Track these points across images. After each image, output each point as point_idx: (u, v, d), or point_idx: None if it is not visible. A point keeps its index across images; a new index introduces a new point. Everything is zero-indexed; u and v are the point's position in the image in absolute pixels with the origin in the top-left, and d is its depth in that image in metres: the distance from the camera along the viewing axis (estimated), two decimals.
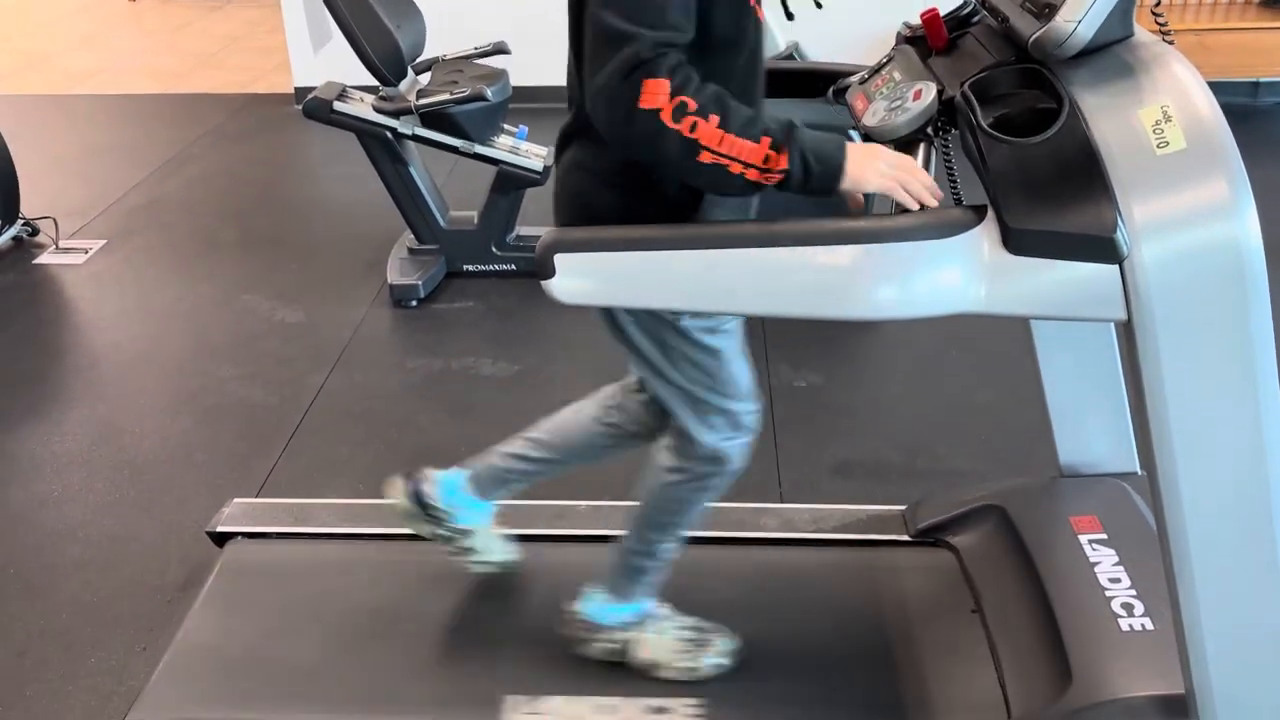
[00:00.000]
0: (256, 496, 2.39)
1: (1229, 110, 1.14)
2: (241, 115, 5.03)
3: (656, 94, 1.19)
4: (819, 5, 1.63)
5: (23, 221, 3.59)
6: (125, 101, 5.26)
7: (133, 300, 3.31)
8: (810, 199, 1.25)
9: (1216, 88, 1.17)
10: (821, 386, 2.81)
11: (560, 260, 1.26)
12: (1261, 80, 4.35)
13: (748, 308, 1.30)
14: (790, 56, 3.27)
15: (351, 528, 2.09)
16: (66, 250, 3.58)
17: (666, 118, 1.19)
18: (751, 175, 1.22)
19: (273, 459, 2.54)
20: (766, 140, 1.21)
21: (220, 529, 2.09)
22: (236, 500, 2.19)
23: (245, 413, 2.73)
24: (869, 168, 1.24)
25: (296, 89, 5.02)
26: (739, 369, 1.56)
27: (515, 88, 3.28)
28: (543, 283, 1.28)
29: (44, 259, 3.54)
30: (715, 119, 1.20)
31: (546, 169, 3.23)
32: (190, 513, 2.34)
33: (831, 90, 1.66)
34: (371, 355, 3.01)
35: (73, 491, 2.44)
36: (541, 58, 4.64)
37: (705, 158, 1.21)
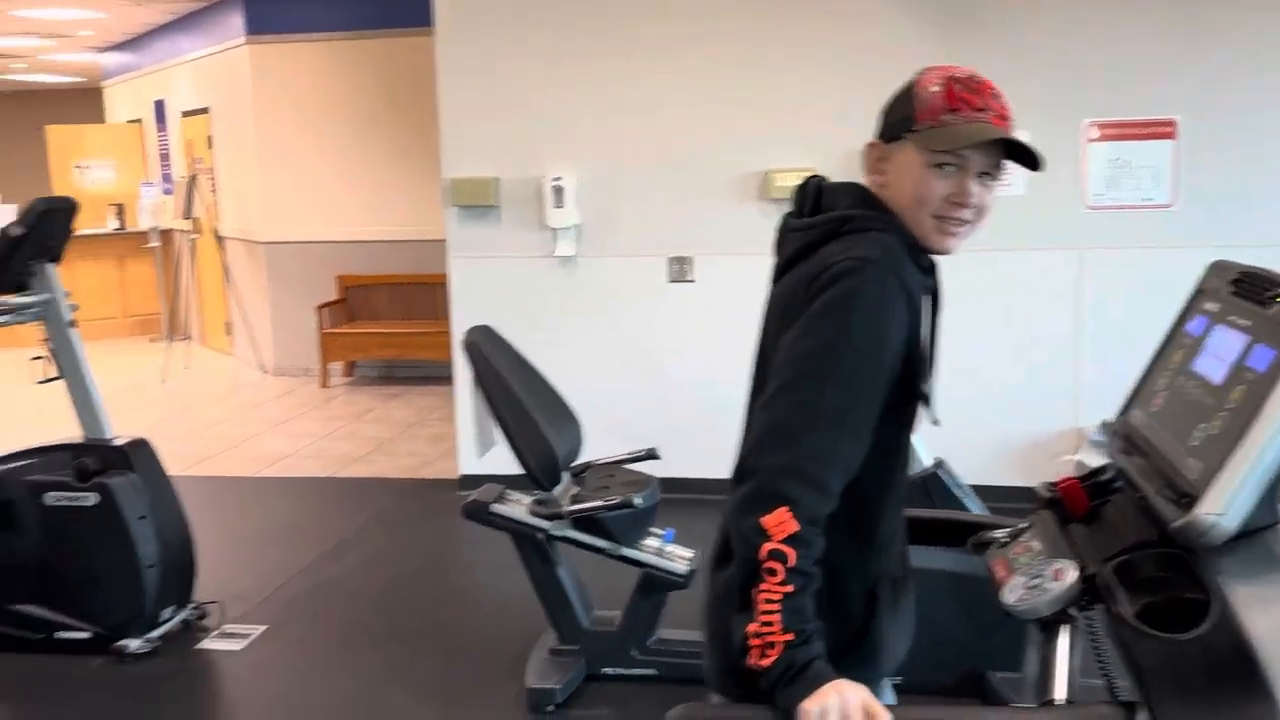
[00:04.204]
0: None
1: None
2: (407, 500, 5.33)
3: (779, 525, 1.25)
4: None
5: (193, 605, 3.79)
6: (305, 484, 5.66)
7: (280, 692, 3.37)
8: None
9: None
10: None
11: None
12: None
13: None
14: (935, 473, 3.30)
15: None
16: (228, 635, 3.73)
17: (765, 547, 1.25)
18: (753, 640, 1.25)
19: None
20: (787, 636, 1.24)
21: None
22: None
23: None
24: (823, 713, 1.19)
25: (461, 476, 5.32)
26: None
27: (669, 479, 3.40)
28: None
29: (206, 643, 3.68)
30: (789, 588, 1.25)
31: (692, 573, 3.25)
32: None
33: (971, 542, 1.66)
34: None
35: None
36: (694, 453, 4.86)
37: (754, 592, 1.26)
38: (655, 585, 3.28)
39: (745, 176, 4.91)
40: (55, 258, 3.74)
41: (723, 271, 4.96)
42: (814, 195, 1.50)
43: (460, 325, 5.16)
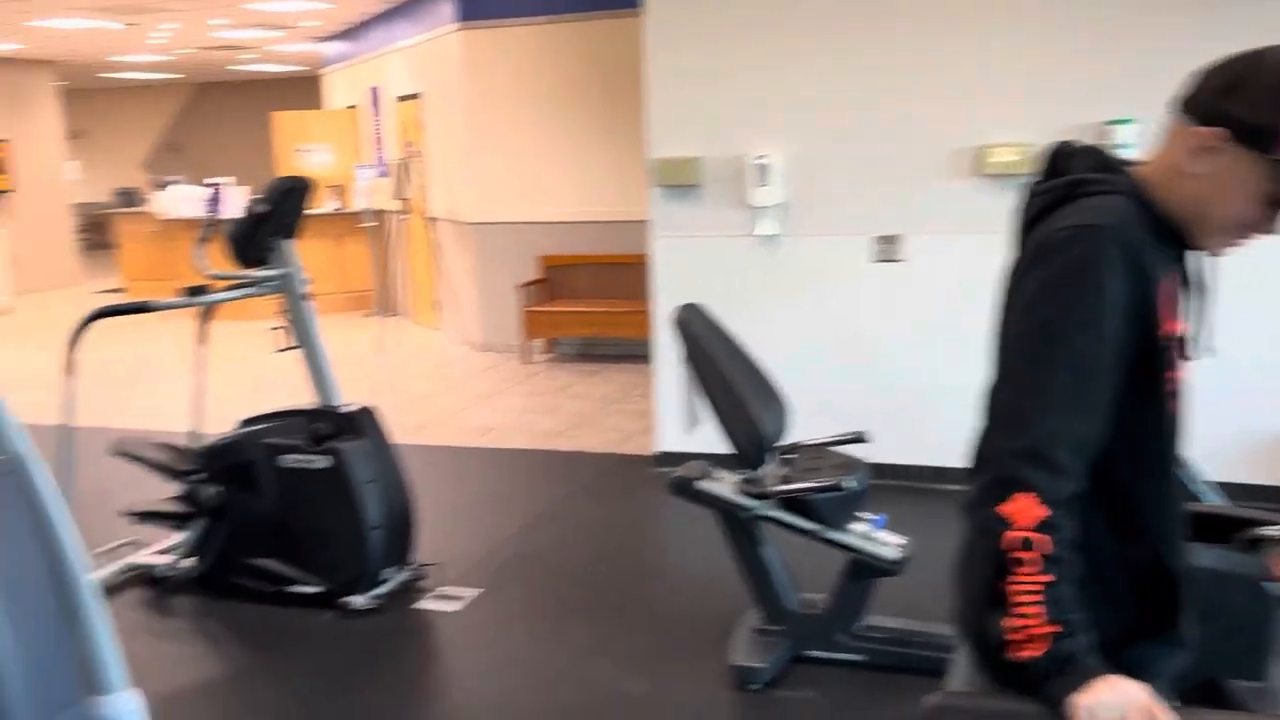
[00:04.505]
0: None
1: None
2: (607, 474, 5.43)
3: (1023, 512, 1.19)
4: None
5: (412, 566, 3.98)
6: (510, 456, 5.85)
7: (494, 655, 3.50)
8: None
9: None
10: None
11: None
12: None
13: None
14: None
15: None
16: (445, 597, 3.90)
17: (1008, 536, 1.19)
18: (1011, 635, 1.19)
19: None
20: (1052, 628, 1.18)
21: None
22: None
23: None
24: (1096, 709, 1.13)
25: (660, 453, 5.37)
26: None
27: (877, 465, 3.34)
28: None
29: (424, 603, 3.86)
30: (1048, 577, 1.19)
31: (903, 560, 3.18)
32: None
33: (1240, 537, 1.54)
34: None
35: None
36: (904, 438, 4.74)
37: (1003, 585, 1.20)
38: (864, 570, 3.22)
39: (958, 152, 4.74)
40: (291, 234, 3.98)
41: (933, 250, 4.81)
42: (1056, 159, 1.44)
43: (663, 304, 5.22)
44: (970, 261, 4.75)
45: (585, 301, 8.20)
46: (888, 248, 4.87)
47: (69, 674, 2.65)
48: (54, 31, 10.71)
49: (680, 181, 5.09)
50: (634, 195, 7.80)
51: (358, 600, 3.75)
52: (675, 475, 3.37)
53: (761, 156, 4.92)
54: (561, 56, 8.06)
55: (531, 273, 8.34)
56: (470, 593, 3.93)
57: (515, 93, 8.24)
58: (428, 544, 4.16)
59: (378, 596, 3.79)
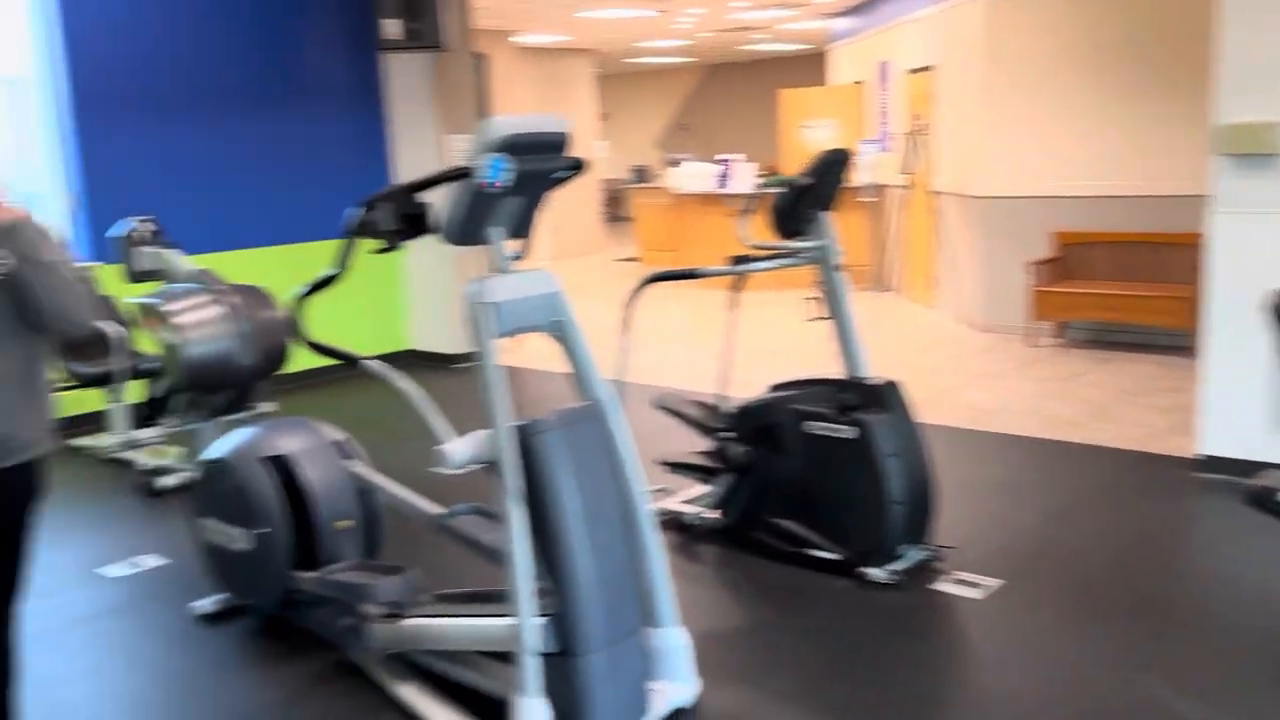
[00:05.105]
0: None
1: None
2: (1133, 473, 4.96)
3: None
4: None
5: (931, 546, 3.89)
6: (1017, 442, 5.54)
7: (1019, 652, 3.33)
8: None
9: None
10: None
11: None
12: None
13: None
14: None
15: None
16: (964, 583, 3.78)
17: None
18: None
19: None
20: None
21: None
22: None
23: None
24: None
25: (1206, 456, 4.79)
26: None
27: None
28: None
29: (941, 585, 3.76)
30: None
31: None
32: None
33: None
34: None
35: None
36: None
37: None
38: None
39: None
40: (828, 206, 4.03)
41: None
42: None
43: (1220, 289, 4.65)
44: None
45: (1104, 283, 7.56)
46: None
47: (634, 604, 2.91)
48: (596, 22, 11.88)
49: (1255, 150, 4.47)
50: (1167, 168, 7.04)
51: (876, 572, 3.74)
52: (1253, 485, 2.97)
53: None
54: (1094, 20, 7.45)
55: (1043, 250, 7.84)
56: (991, 582, 3.77)
57: (1037, 60, 7.77)
58: (941, 524, 4.05)
59: (895, 572, 3.75)
